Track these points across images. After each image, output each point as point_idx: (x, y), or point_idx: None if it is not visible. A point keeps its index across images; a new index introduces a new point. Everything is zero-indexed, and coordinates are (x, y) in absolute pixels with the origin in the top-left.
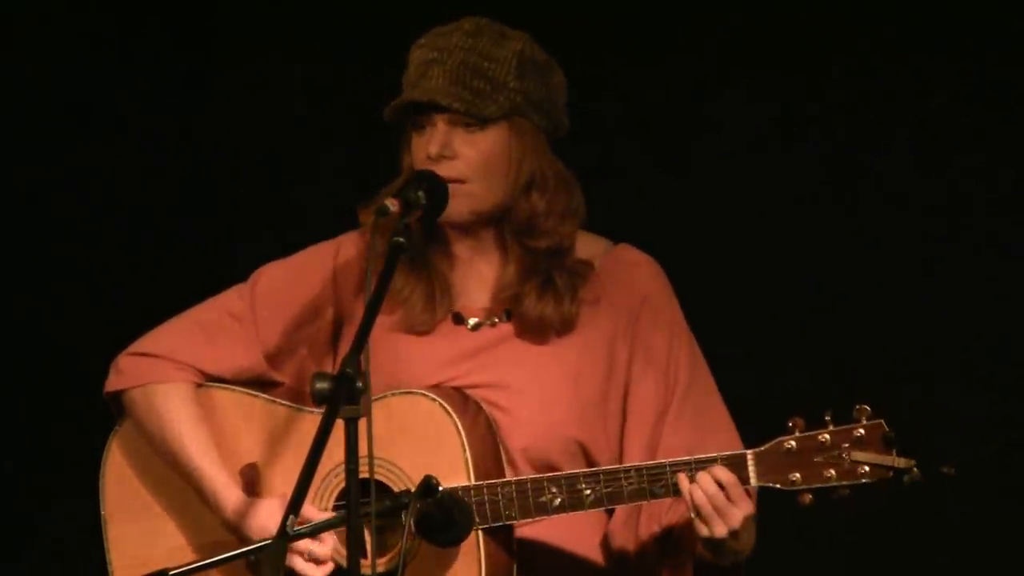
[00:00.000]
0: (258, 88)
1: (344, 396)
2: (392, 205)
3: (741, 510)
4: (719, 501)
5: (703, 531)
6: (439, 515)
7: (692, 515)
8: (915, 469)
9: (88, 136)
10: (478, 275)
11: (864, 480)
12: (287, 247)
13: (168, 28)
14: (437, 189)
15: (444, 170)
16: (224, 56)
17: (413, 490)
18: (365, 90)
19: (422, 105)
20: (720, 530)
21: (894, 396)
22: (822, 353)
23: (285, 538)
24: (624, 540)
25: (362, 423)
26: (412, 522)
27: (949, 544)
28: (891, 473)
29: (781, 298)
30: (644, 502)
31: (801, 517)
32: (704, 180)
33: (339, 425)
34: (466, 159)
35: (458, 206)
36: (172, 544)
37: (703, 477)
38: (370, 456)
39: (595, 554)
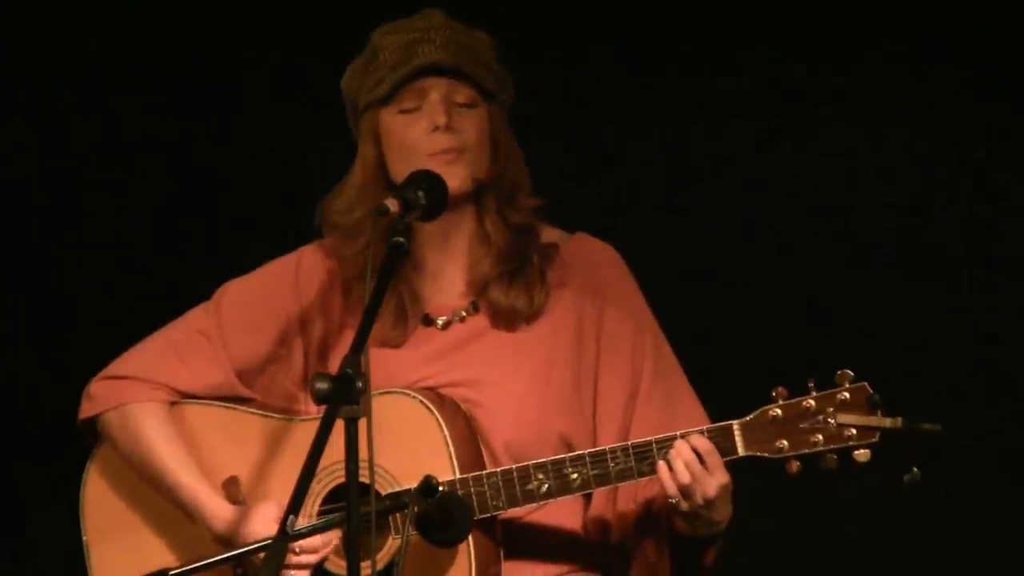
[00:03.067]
0: (252, 94)
1: (344, 396)
2: (392, 205)
3: (717, 479)
4: (695, 469)
5: (682, 505)
6: (439, 515)
7: (668, 488)
8: (915, 469)
9: (70, 154)
10: (447, 273)
11: (851, 443)
12: (254, 262)
13: (168, 31)
14: (436, 189)
15: (451, 140)
16: (224, 61)
17: (412, 489)
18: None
19: (412, 78)
20: (696, 499)
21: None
22: (800, 328)
23: (286, 538)
24: (603, 520)
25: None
26: (412, 522)
27: (949, 545)
28: (877, 434)
29: (760, 277)
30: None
31: (796, 501)
32: (686, 169)
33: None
34: (467, 131)
35: (462, 173)
36: (155, 564)
37: (681, 445)
38: (370, 458)
39: (577, 536)
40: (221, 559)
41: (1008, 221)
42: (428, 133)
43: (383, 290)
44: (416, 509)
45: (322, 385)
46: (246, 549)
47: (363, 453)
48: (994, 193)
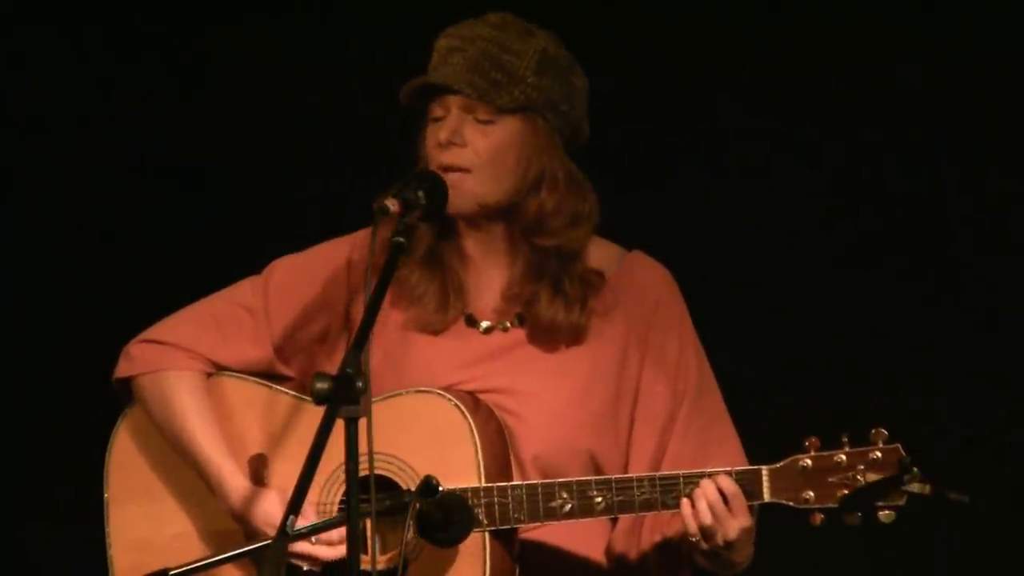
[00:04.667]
0: (265, 81)
1: (344, 396)
2: (392, 205)
3: (739, 522)
4: (719, 510)
5: (702, 544)
6: (439, 514)
7: (689, 526)
8: (915, 469)
9: (91, 132)
10: (490, 277)
11: (876, 501)
12: (297, 243)
13: (168, 25)
14: (437, 189)
15: (452, 157)
16: (228, 50)
17: (412, 489)
18: (374, 84)
19: (436, 90)
20: (716, 540)
21: (907, 413)
22: (837, 373)
23: (285, 538)
24: (626, 548)
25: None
26: (413, 521)
27: (948, 544)
28: (905, 498)
29: (797, 316)
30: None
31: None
32: (722, 193)
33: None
34: (475, 149)
35: (464, 195)
36: (174, 530)
37: (707, 484)
38: (370, 455)
39: (596, 560)
40: (219, 559)
41: (1010, 221)
42: (436, 147)
43: (384, 289)
44: (417, 508)
45: (322, 385)
46: (242, 551)
47: (383, 447)
48: (995, 193)
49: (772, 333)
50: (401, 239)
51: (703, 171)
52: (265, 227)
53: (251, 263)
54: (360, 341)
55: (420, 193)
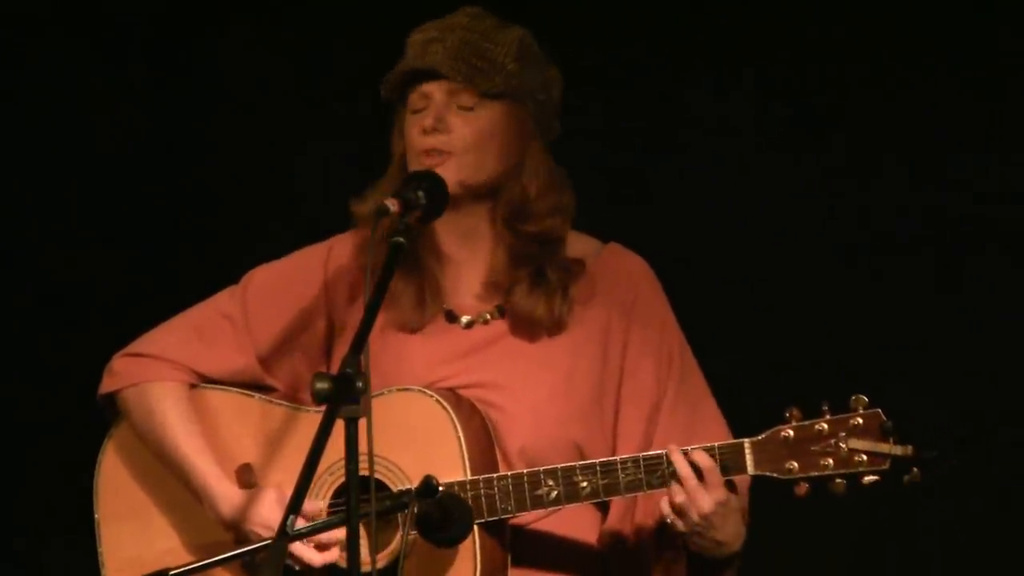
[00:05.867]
0: (255, 83)
1: (344, 396)
2: (392, 205)
3: (713, 496)
4: (691, 485)
5: (678, 524)
6: (439, 515)
7: (662, 508)
8: (915, 469)
9: (81, 137)
10: (469, 271)
11: (861, 469)
12: (284, 248)
13: (167, 25)
14: (437, 189)
15: (436, 142)
16: (218, 48)
17: (412, 489)
18: (362, 82)
19: (417, 80)
20: (691, 516)
21: (889, 392)
22: (818, 349)
23: (285, 538)
24: (620, 535)
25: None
26: (412, 521)
27: (948, 544)
28: (888, 462)
29: (774, 293)
30: (641, 495)
31: (802, 518)
32: (693, 176)
33: (338, 425)
34: (459, 134)
35: (446, 175)
36: (166, 546)
37: (679, 460)
38: (370, 456)
39: (589, 548)
40: (220, 559)
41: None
42: (420, 133)
43: (383, 289)
44: (416, 509)
45: (322, 385)
46: (243, 550)
47: (375, 449)
48: (993, 193)
49: (765, 331)
50: (401, 239)
51: (691, 168)
52: (264, 231)
53: (249, 267)
54: (359, 341)
55: (420, 193)
